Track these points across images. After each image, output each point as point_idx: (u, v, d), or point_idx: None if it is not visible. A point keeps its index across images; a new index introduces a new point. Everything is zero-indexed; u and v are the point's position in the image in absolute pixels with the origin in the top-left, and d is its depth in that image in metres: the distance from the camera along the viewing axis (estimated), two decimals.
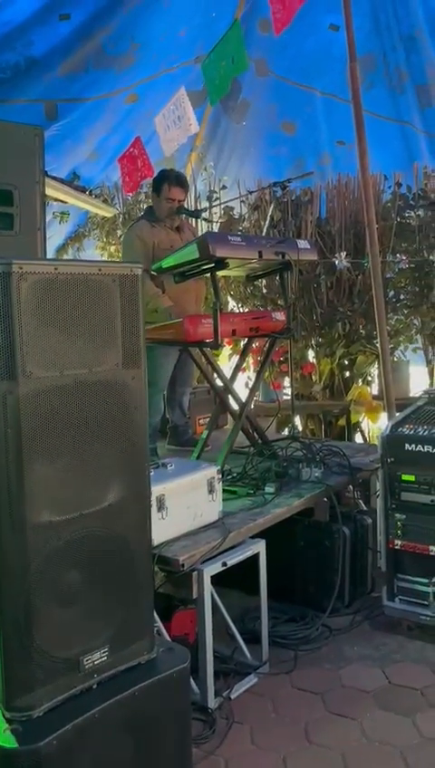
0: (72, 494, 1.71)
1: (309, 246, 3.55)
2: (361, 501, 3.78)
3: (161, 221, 3.97)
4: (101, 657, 1.79)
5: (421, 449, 2.99)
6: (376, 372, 5.63)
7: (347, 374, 5.56)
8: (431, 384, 5.48)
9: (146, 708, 1.82)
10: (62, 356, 1.67)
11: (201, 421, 4.57)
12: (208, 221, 4.16)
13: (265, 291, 5.63)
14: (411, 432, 3.06)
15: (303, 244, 3.49)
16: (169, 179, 3.94)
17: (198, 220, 4.77)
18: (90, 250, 6.58)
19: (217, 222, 5.44)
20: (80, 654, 1.74)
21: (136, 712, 1.80)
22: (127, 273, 1.79)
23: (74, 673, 1.73)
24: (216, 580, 2.56)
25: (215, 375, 3.62)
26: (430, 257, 5.01)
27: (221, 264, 3.11)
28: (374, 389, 5.57)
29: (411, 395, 5.39)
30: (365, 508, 3.68)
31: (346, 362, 5.53)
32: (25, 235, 2.64)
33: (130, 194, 5.79)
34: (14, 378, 1.58)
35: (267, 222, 3.92)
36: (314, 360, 5.54)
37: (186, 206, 4.14)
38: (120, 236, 6.33)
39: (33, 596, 1.65)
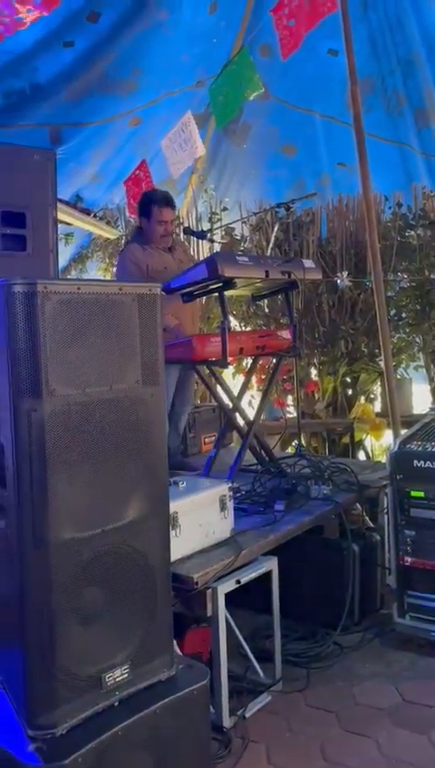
0: (94, 511, 1.73)
1: (314, 266, 3.59)
2: (367, 518, 3.78)
3: (153, 243, 3.97)
4: (123, 675, 1.79)
5: (430, 465, 3.01)
6: (379, 390, 5.67)
7: (350, 392, 5.60)
8: (433, 401, 5.51)
9: (166, 726, 1.81)
10: (83, 373, 1.70)
11: (207, 440, 4.58)
12: (212, 241, 4.19)
13: (267, 310, 5.68)
14: (420, 449, 3.08)
15: (308, 263, 3.53)
16: (158, 201, 3.89)
17: (198, 240, 4.79)
18: (92, 271, 6.64)
19: (218, 243, 5.49)
20: (102, 671, 1.75)
21: (157, 730, 1.79)
22: (146, 293, 1.82)
23: (97, 690, 1.74)
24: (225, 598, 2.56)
25: (222, 393, 3.64)
26: (431, 276, 5.07)
27: (229, 283, 3.14)
28: (377, 407, 5.60)
29: (414, 412, 5.43)
30: (372, 525, 3.69)
31: (349, 380, 5.57)
32: (38, 257, 2.67)
33: (135, 216, 5.85)
34: (39, 395, 1.61)
35: (271, 243, 3.96)
36: (317, 379, 5.58)
37: (189, 227, 4.15)
38: None
39: (56, 613, 1.66)
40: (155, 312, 1.85)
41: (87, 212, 5.63)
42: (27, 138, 5.18)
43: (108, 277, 6.55)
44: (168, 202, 3.94)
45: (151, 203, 3.92)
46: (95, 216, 5.84)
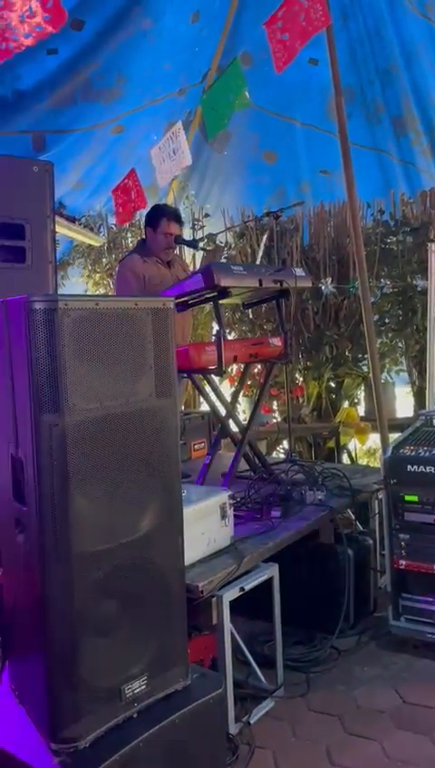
0: (112, 524, 1.74)
1: (304, 274, 3.63)
2: (358, 522, 3.84)
3: (154, 255, 4.01)
4: (141, 686, 1.81)
5: (423, 470, 3.06)
6: (362, 394, 5.75)
7: (334, 396, 5.66)
8: (415, 404, 5.60)
9: (185, 735, 1.83)
10: (101, 387, 1.71)
11: (196, 446, 4.60)
12: (205, 250, 4.23)
13: (251, 316, 5.73)
14: (413, 454, 3.14)
15: (299, 272, 3.57)
16: (168, 214, 3.98)
17: (187, 251, 4.81)
18: (74, 278, 6.62)
19: (203, 251, 5.52)
20: (120, 683, 1.76)
21: (175, 739, 1.81)
22: (160, 307, 1.84)
23: (116, 702, 1.75)
24: None
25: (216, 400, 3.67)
26: (413, 282, 5.16)
27: (224, 293, 3.17)
28: (361, 411, 5.68)
29: (398, 415, 5.52)
30: (363, 529, 3.74)
31: (333, 385, 5.63)
32: (37, 268, 2.68)
33: (123, 225, 5.86)
34: (59, 410, 1.62)
35: (261, 251, 4.00)
36: (302, 383, 5.64)
37: (181, 236, 4.17)
38: (106, 265, 6.39)
39: (77, 627, 1.66)
40: (168, 326, 1.87)
41: (73, 219, 5.61)
42: (9, 146, 5.14)
43: (89, 284, 6.55)
44: (177, 217, 4.05)
45: (161, 215, 4.00)
46: (80, 223, 5.83)
